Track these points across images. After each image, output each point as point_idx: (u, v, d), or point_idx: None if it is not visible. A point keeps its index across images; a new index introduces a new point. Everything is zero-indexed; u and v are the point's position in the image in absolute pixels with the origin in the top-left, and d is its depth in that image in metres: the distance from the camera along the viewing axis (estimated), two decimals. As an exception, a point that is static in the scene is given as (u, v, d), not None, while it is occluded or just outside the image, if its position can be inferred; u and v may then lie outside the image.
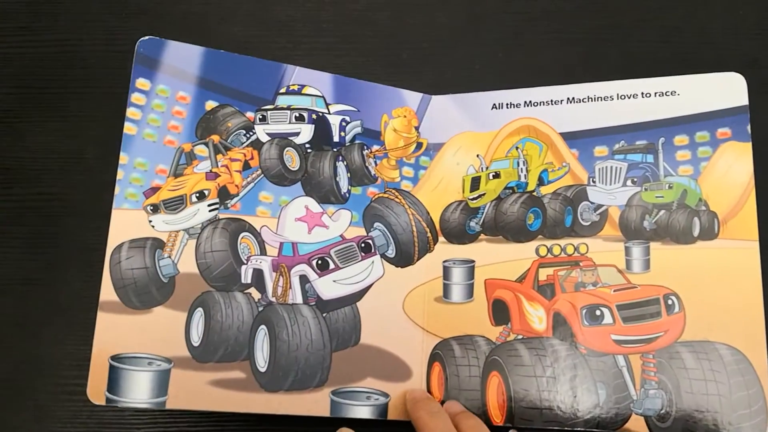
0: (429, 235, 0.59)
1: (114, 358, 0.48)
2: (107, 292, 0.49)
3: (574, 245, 0.57)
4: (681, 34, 0.65)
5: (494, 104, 0.61)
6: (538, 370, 0.53)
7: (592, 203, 0.59)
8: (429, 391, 0.55)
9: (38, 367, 0.53)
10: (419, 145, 0.61)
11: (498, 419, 0.53)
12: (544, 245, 0.57)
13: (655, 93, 0.59)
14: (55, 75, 0.61)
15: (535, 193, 0.60)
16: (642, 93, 0.59)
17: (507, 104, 0.61)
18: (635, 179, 0.59)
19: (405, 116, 0.61)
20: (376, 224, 0.58)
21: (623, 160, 0.59)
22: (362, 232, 0.57)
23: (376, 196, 0.58)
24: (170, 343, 0.49)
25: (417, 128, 0.61)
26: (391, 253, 0.57)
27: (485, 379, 0.54)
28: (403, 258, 0.58)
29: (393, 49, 0.65)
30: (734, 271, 0.54)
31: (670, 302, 0.54)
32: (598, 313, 0.54)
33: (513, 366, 0.53)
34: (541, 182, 0.60)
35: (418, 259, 0.58)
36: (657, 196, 0.58)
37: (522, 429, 0.53)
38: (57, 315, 0.55)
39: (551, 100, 0.60)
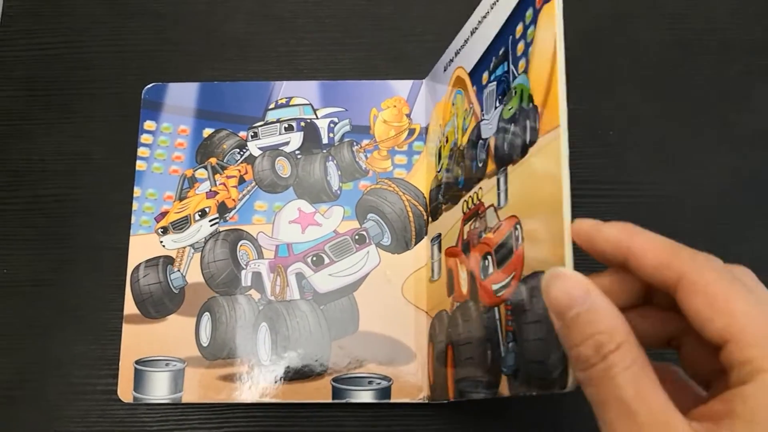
0: (426, 217, 0.59)
1: (137, 362, 0.56)
2: (129, 306, 0.57)
3: (477, 193, 0.48)
4: (686, 19, 0.62)
5: (444, 67, 0.57)
6: (458, 337, 0.48)
7: (484, 140, 0.47)
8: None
9: (50, 368, 0.57)
10: (412, 132, 0.62)
11: (451, 395, 0.50)
12: (466, 200, 0.50)
13: None
14: (61, 77, 0.65)
15: (460, 147, 0.52)
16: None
17: (449, 61, 0.56)
18: (502, 97, 0.45)
19: (395, 106, 0.62)
20: (369, 215, 0.60)
21: (494, 79, 0.46)
22: (356, 224, 0.59)
23: (368, 189, 0.60)
24: (183, 345, 0.56)
25: (408, 115, 0.62)
26: (386, 241, 0.59)
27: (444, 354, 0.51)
28: (400, 244, 0.59)
29: (396, 43, 0.66)
30: (544, 173, 0.37)
31: (517, 234, 0.40)
32: (486, 263, 0.44)
33: (444, 338, 0.51)
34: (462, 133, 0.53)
35: (416, 243, 0.59)
36: (509, 109, 0.43)
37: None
38: (67, 315, 0.58)
39: (465, 40, 0.52)
